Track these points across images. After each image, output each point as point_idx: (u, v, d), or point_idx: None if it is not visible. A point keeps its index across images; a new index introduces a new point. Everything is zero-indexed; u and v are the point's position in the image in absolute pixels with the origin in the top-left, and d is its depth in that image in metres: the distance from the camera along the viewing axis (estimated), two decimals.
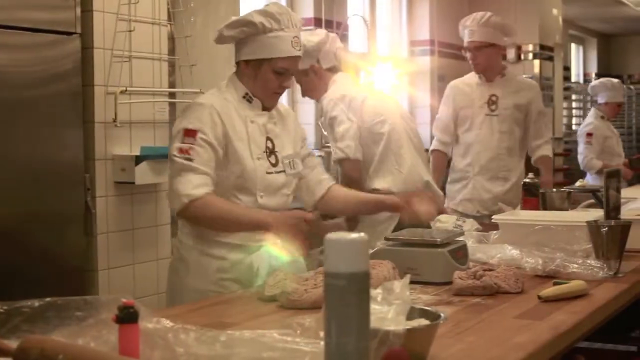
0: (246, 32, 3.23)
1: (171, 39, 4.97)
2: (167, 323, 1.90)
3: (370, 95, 4.61)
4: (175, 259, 3.43)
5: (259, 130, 3.30)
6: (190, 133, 3.18)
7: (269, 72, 3.25)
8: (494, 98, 5.62)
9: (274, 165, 3.31)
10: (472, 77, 5.73)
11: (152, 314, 1.90)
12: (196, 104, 3.28)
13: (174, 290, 3.39)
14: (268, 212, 3.20)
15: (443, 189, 5.64)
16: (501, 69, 5.75)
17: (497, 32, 5.64)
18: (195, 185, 3.12)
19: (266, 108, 3.35)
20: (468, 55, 5.63)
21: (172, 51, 4.96)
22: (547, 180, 5.60)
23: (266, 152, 3.30)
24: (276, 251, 3.08)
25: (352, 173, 4.49)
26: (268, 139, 3.33)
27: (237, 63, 3.35)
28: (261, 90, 3.30)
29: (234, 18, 3.28)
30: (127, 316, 1.79)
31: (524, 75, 9.66)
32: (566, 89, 11.73)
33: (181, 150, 3.17)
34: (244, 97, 3.31)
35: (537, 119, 5.67)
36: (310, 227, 3.03)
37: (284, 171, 3.34)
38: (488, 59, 5.65)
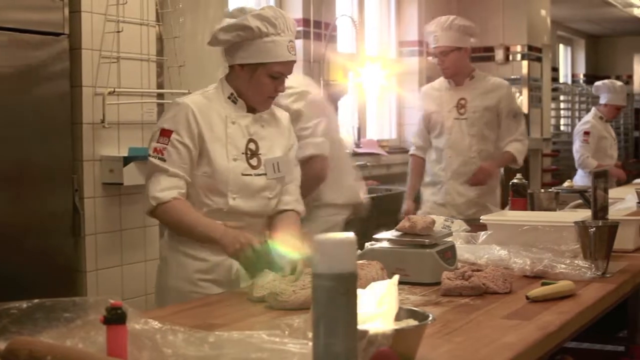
0: (242, 36, 3.22)
1: (159, 39, 4.96)
2: (155, 324, 1.90)
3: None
4: (160, 259, 3.44)
5: (240, 132, 3.29)
6: (165, 133, 3.22)
7: (264, 76, 3.25)
8: (462, 102, 5.50)
9: (255, 167, 3.30)
10: (441, 82, 5.67)
11: (140, 315, 1.90)
12: (174, 104, 3.30)
13: (158, 290, 3.41)
14: (223, 230, 3.18)
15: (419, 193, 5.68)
16: (470, 71, 5.63)
17: (462, 34, 5.57)
18: (163, 188, 3.16)
19: (251, 110, 3.35)
20: (436, 60, 5.57)
21: (160, 52, 4.95)
22: (486, 166, 5.40)
23: (246, 153, 3.29)
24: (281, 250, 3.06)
25: (323, 172, 4.29)
26: (251, 140, 3.31)
27: (231, 66, 3.34)
28: (256, 94, 3.29)
29: (229, 21, 3.27)
30: (115, 317, 1.79)
31: (513, 76, 9.73)
32: (554, 89, 11.75)
33: (155, 150, 3.22)
34: (229, 97, 3.30)
35: (507, 117, 5.52)
36: (256, 254, 3.02)
37: (265, 174, 3.32)
38: (456, 63, 5.53)
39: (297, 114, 4.15)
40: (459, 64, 5.53)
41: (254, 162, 3.30)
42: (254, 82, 3.26)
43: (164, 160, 3.18)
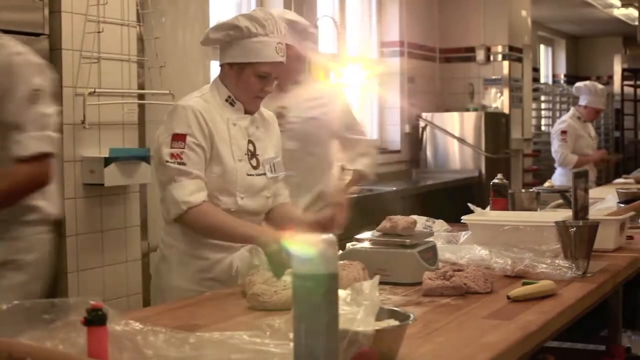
0: (232, 36, 3.25)
1: (140, 40, 4.95)
2: (136, 325, 1.90)
3: None
4: (159, 259, 3.43)
5: (241, 133, 3.32)
6: (179, 137, 3.20)
7: (251, 76, 3.27)
8: (283, 111, 4.41)
9: (255, 167, 3.34)
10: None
11: (120, 316, 1.89)
12: (179, 108, 3.28)
13: (157, 290, 3.40)
14: (259, 228, 3.24)
15: None
16: (296, 75, 4.52)
17: (289, 35, 4.92)
18: (191, 192, 3.15)
19: (248, 112, 3.37)
20: None
21: (141, 52, 4.94)
22: (336, 204, 3.83)
23: (247, 154, 3.32)
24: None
25: (50, 176, 3.31)
26: (250, 142, 3.35)
27: (222, 65, 3.36)
28: (243, 93, 3.31)
29: (220, 21, 3.31)
30: (95, 318, 1.78)
31: (494, 77, 9.76)
32: (535, 90, 11.79)
33: (173, 156, 3.18)
34: (226, 100, 3.32)
35: (343, 129, 4.63)
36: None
37: (264, 174, 3.36)
38: None
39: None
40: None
41: (254, 162, 3.35)
42: (242, 81, 3.28)
43: (184, 164, 3.16)
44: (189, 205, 3.14)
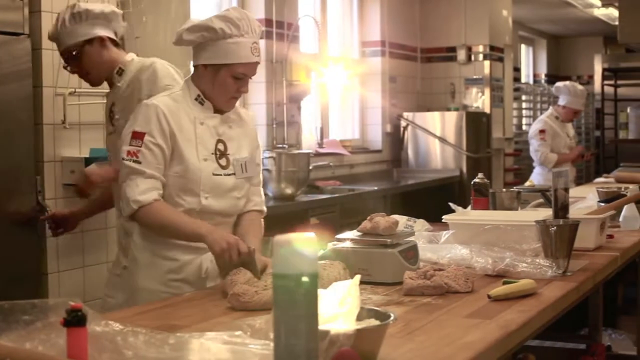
0: (206, 37, 3.23)
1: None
2: (116, 326, 1.89)
3: None
4: (129, 260, 3.42)
5: (208, 132, 3.30)
6: (138, 135, 3.19)
7: (227, 77, 3.25)
8: (113, 109, 4.01)
9: (224, 167, 3.32)
10: None
11: (100, 317, 1.89)
12: (142, 106, 3.28)
13: (128, 291, 3.39)
14: (209, 228, 3.19)
15: None
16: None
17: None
18: (142, 191, 3.15)
19: (219, 110, 3.35)
20: None
21: None
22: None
23: (215, 154, 3.30)
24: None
25: None
26: (219, 141, 3.33)
27: (196, 66, 3.35)
28: (219, 94, 3.30)
29: (194, 22, 3.28)
30: (75, 319, 1.77)
31: (475, 76, 9.77)
32: (516, 89, 11.81)
33: (129, 153, 3.19)
34: (195, 99, 3.30)
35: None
36: (240, 258, 3.01)
37: (234, 174, 3.34)
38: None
39: None
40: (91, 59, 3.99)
41: (223, 162, 3.32)
42: (217, 82, 3.27)
43: (139, 162, 3.17)
44: (140, 204, 3.15)
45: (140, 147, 3.18)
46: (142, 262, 3.31)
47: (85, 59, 3.93)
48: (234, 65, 3.24)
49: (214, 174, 3.28)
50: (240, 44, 3.23)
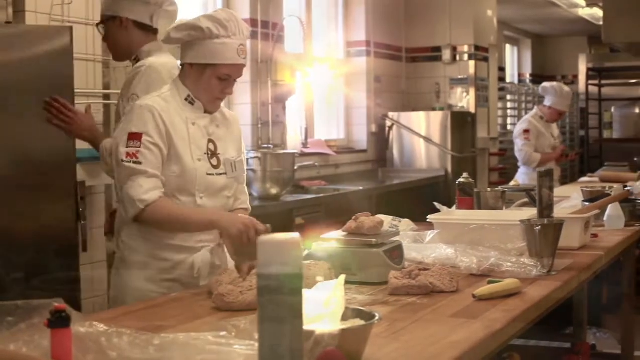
0: (193, 36, 3.23)
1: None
2: (100, 327, 1.89)
3: None
4: (118, 261, 3.41)
5: (200, 132, 3.30)
6: (135, 136, 3.19)
7: (212, 78, 3.25)
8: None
9: (216, 167, 3.32)
10: None
11: (84, 318, 1.88)
12: (136, 107, 3.28)
13: (116, 292, 3.38)
14: (221, 213, 3.24)
15: None
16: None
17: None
18: (146, 190, 3.15)
19: (208, 111, 3.35)
20: None
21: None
22: None
23: (207, 154, 3.31)
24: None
25: None
26: (210, 141, 3.33)
27: (182, 65, 3.35)
28: (203, 94, 3.30)
29: (182, 21, 3.29)
30: (59, 320, 1.77)
31: (460, 76, 9.79)
32: (501, 89, 11.83)
33: (128, 155, 3.17)
34: (186, 99, 3.31)
35: None
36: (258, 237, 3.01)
37: (225, 173, 3.35)
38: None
39: None
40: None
41: (214, 162, 3.33)
42: (203, 82, 3.27)
43: (140, 163, 3.16)
44: (146, 203, 3.14)
45: (139, 147, 3.17)
46: (133, 263, 3.30)
47: (107, 33, 4.05)
48: (220, 65, 3.24)
49: (207, 174, 3.29)
50: (227, 44, 3.23)
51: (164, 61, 3.90)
